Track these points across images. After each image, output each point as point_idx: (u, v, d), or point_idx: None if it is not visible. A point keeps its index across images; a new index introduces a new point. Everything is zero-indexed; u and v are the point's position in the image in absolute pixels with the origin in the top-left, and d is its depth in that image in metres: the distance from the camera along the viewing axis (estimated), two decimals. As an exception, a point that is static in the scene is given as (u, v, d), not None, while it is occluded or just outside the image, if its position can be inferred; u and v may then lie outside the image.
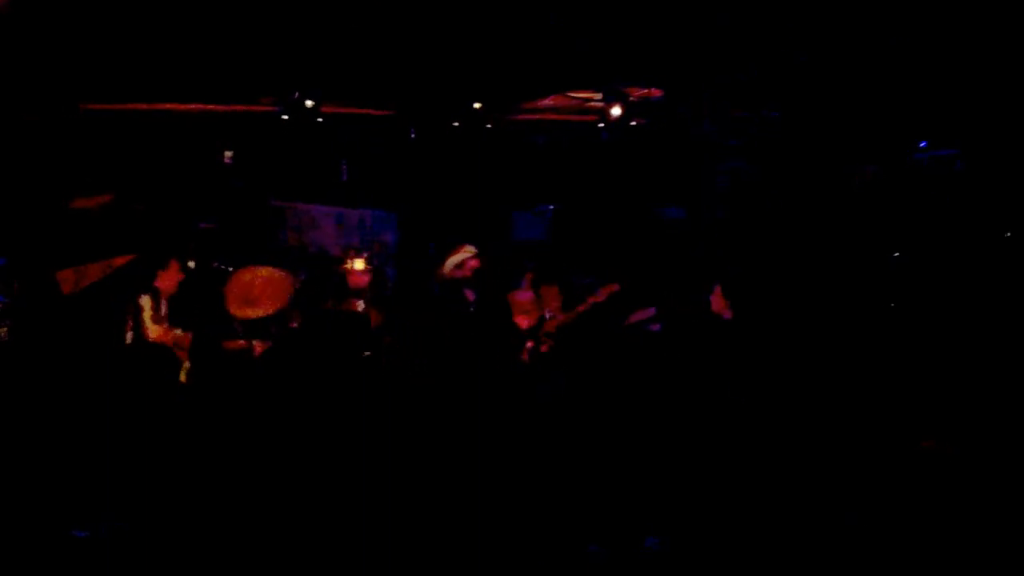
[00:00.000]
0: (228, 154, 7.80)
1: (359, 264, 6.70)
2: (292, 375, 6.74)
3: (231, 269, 7.12)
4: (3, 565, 4.49)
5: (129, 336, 6.23)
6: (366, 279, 6.78)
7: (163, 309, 6.42)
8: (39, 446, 5.99)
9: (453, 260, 6.58)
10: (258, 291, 7.02)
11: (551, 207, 9.05)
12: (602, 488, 5.32)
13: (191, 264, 7.31)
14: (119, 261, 7.34)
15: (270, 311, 6.96)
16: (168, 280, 6.43)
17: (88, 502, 5.17)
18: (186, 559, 4.63)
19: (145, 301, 6.28)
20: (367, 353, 6.68)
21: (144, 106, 7.71)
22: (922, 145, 6.65)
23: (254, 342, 6.80)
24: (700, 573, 4.50)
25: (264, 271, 7.06)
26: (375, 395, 6.40)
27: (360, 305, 6.80)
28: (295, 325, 7.12)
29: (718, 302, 6.18)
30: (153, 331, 6.30)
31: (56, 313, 7.01)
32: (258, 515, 5.12)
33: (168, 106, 7.73)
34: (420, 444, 5.91)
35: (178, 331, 6.49)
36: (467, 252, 6.60)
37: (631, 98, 7.28)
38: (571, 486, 5.37)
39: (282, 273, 7.20)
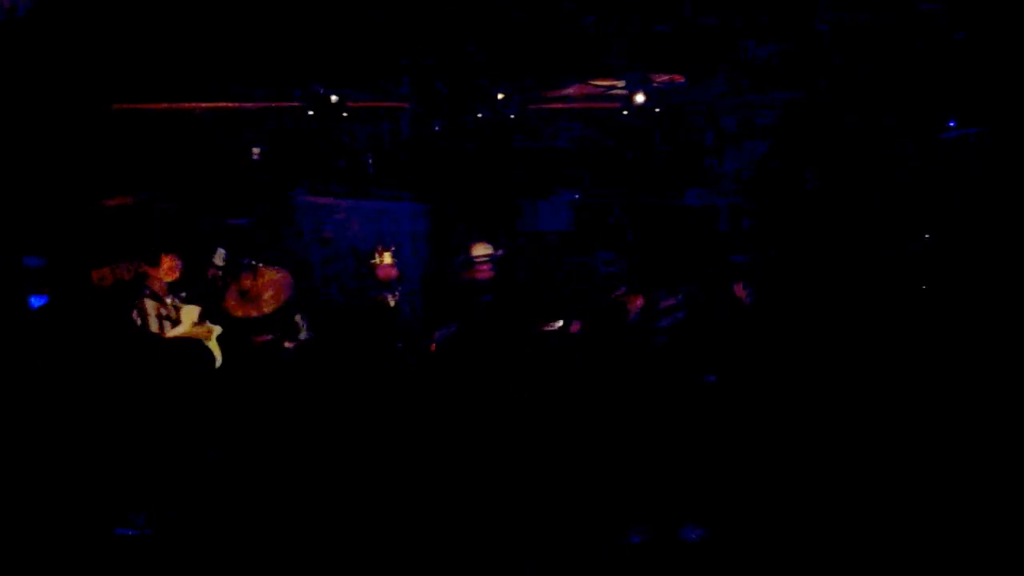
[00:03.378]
0: (256, 151, 7.86)
1: (387, 258, 6.79)
2: (324, 368, 6.83)
3: (260, 265, 7.20)
4: (47, 563, 4.60)
5: (143, 336, 6.29)
6: (395, 272, 6.87)
7: (170, 307, 6.45)
8: (79, 445, 6.10)
9: (465, 259, 6.68)
10: (259, 290, 7.09)
11: (576, 196, 9.06)
12: (628, 479, 5.35)
13: (218, 261, 7.37)
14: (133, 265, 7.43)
15: (268, 311, 7.04)
16: (163, 276, 6.46)
17: (130, 499, 5.27)
18: (223, 551, 4.71)
19: (150, 305, 6.32)
20: (398, 345, 6.76)
21: (173, 105, 7.80)
22: (951, 124, 6.56)
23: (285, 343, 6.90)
24: (736, 565, 4.51)
25: (268, 273, 7.11)
26: (405, 387, 6.48)
27: (391, 298, 6.90)
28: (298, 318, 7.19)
29: (738, 290, 6.18)
30: (168, 331, 6.34)
31: (93, 311, 7.12)
32: (291, 505, 5.19)
33: (196, 104, 7.82)
34: (442, 435, 5.94)
35: (197, 324, 6.53)
36: (480, 251, 6.66)
37: (654, 84, 7.26)
38: (598, 476, 5.41)
39: (284, 274, 7.23)
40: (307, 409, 6.45)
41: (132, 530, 5.13)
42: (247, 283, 7.01)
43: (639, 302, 6.50)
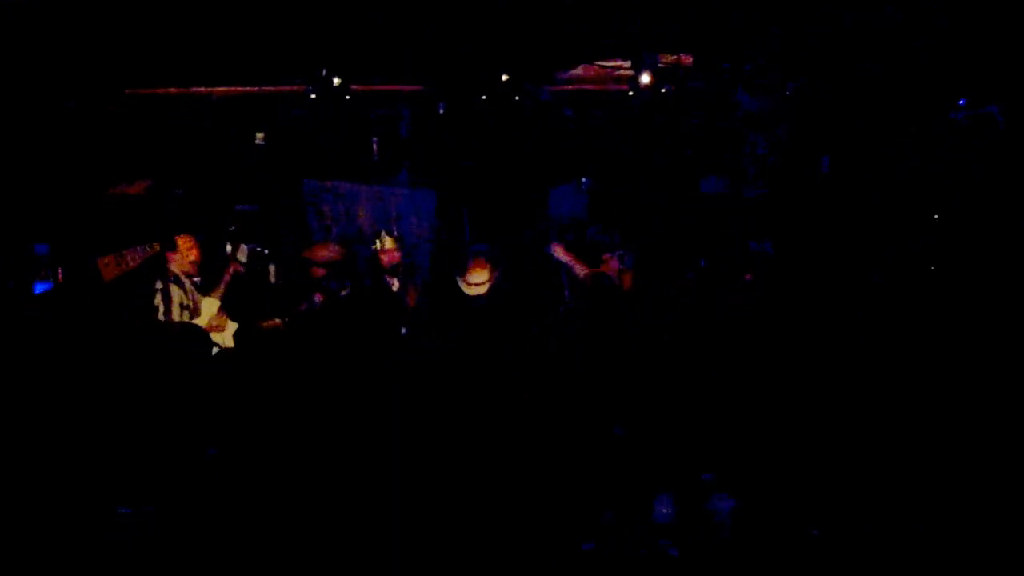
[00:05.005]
0: (260, 135, 7.85)
1: (388, 242, 6.76)
2: (326, 353, 6.80)
3: (267, 251, 7.19)
4: (51, 542, 4.61)
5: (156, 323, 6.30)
6: (398, 257, 6.84)
7: (189, 294, 6.46)
8: (84, 428, 6.11)
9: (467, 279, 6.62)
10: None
11: (588, 181, 8.96)
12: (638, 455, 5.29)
13: (229, 248, 7.37)
14: (159, 246, 7.44)
15: (336, 257, 7.13)
16: (183, 261, 6.44)
17: (131, 480, 5.26)
18: (222, 535, 4.70)
19: (175, 291, 6.33)
20: (402, 331, 6.72)
21: (179, 90, 7.80)
22: (961, 103, 6.40)
23: (315, 296, 6.89)
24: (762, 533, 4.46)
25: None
26: (406, 375, 6.43)
27: (395, 283, 6.87)
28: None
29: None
30: (183, 317, 6.35)
31: (99, 298, 7.14)
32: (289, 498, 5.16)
33: (202, 89, 7.82)
34: (443, 429, 5.88)
35: (216, 316, 6.54)
36: (477, 279, 6.58)
37: (661, 65, 7.14)
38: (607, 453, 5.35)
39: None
40: (309, 397, 6.42)
41: (131, 508, 5.12)
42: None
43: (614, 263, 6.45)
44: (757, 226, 7.90)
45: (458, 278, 6.61)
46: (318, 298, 6.84)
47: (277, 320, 7.10)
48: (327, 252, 7.27)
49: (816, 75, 7.06)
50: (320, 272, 7.09)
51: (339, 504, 5.13)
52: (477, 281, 6.61)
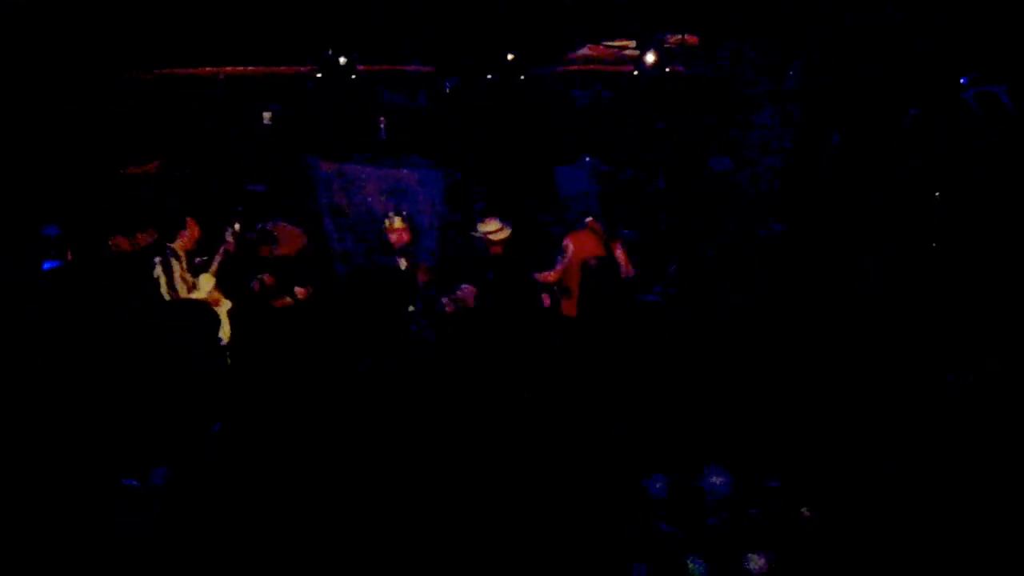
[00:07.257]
0: (267, 115, 7.88)
1: (397, 222, 6.80)
2: (335, 331, 6.85)
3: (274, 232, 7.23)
4: (56, 514, 4.68)
5: (163, 295, 6.39)
6: (407, 236, 6.87)
7: (185, 269, 6.54)
8: (91, 402, 6.17)
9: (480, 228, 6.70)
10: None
11: (596, 160, 8.96)
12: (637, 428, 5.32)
13: (237, 227, 7.42)
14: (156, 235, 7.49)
15: (291, 252, 7.09)
16: (187, 240, 6.53)
17: (137, 453, 5.32)
18: (231, 508, 4.76)
19: (175, 264, 6.41)
20: (410, 309, 6.77)
21: (188, 71, 7.82)
22: (963, 82, 6.39)
23: (296, 289, 6.93)
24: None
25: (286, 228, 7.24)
26: (414, 354, 6.48)
27: (404, 262, 6.91)
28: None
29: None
30: (182, 291, 6.44)
31: (108, 277, 7.20)
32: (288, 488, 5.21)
33: (211, 70, 7.84)
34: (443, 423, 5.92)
35: (209, 288, 6.60)
36: (489, 228, 6.65)
37: (666, 45, 7.13)
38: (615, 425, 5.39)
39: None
40: (311, 381, 6.46)
41: (136, 481, 5.17)
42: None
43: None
44: (765, 206, 7.92)
45: (472, 232, 6.72)
46: (267, 280, 6.87)
47: (288, 299, 7.16)
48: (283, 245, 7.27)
49: (817, 75, 7.06)
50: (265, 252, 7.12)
51: (339, 497, 5.16)
52: (490, 230, 6.69)
